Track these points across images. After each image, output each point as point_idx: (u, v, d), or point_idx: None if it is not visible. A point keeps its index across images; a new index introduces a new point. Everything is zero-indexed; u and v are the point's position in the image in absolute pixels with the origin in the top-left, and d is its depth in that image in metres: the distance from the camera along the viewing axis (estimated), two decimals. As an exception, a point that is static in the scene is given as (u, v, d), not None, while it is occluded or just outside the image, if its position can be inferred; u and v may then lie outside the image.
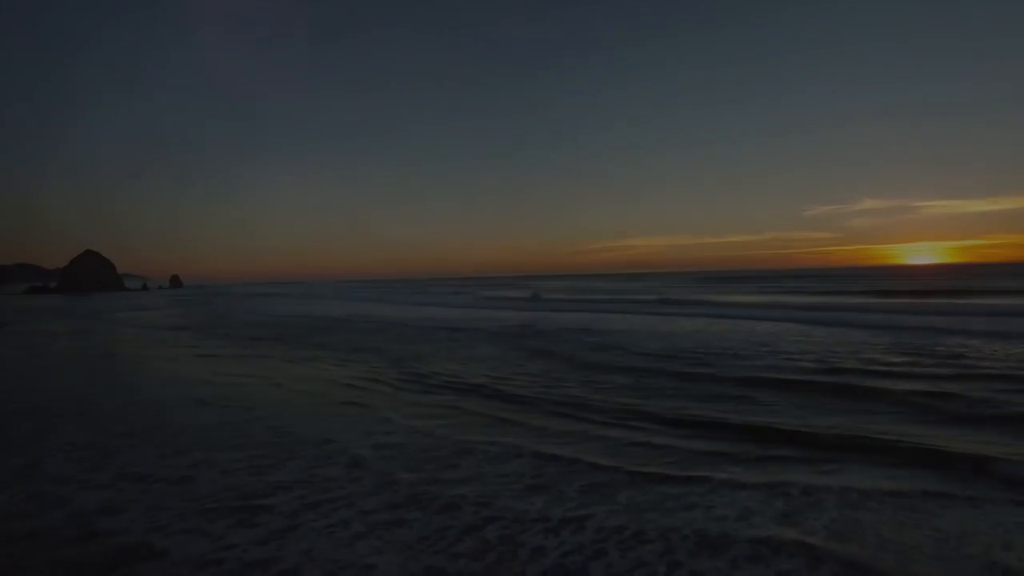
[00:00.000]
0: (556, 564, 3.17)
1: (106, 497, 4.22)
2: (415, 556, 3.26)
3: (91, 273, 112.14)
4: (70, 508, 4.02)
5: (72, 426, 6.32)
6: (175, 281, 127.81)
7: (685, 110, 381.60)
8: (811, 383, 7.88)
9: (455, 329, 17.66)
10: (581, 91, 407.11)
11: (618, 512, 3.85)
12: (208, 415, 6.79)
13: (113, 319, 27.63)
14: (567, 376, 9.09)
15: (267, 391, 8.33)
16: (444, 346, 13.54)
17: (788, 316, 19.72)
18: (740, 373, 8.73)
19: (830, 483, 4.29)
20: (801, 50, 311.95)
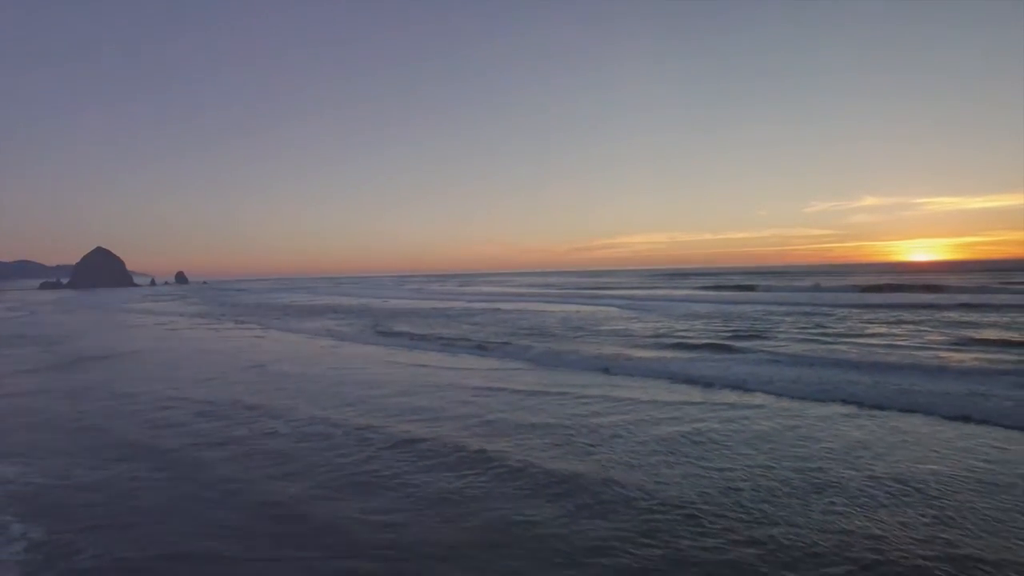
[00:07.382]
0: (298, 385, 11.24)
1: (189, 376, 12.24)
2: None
3: (102, 269, 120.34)
4: (189, 392, 12.02)
5: (165, 357, 14.47)
6: (180, 277, 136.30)
7: (687, 107, 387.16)
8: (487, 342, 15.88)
9: (396, 313, 25.83)
10: (583, 89, 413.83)
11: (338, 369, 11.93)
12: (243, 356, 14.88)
13: (136, 309, 35.70)
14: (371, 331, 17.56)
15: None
16: (346, 320, 21.63)
17: (630, 305, 27.71)
18: (473, 334, 16.83)
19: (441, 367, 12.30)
20: (803, 47, 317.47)
